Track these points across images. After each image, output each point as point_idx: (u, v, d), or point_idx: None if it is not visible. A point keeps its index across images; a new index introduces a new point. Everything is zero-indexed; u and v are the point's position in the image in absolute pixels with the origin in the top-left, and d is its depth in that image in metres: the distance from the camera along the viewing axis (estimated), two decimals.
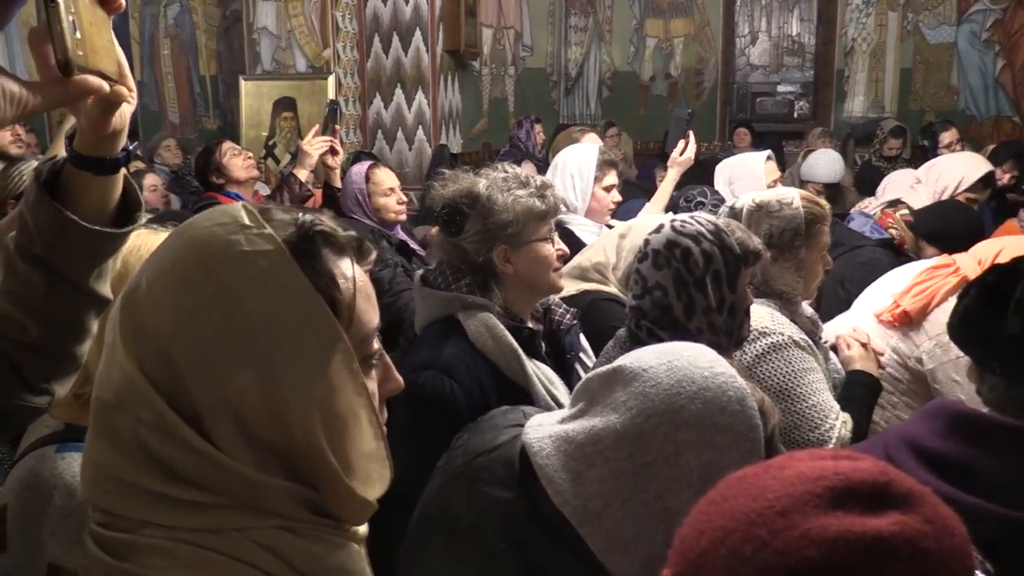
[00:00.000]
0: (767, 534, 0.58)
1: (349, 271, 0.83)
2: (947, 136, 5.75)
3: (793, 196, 2.10)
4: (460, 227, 1.76)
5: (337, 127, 4.01)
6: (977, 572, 0.60)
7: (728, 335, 1.69)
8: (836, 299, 2.67)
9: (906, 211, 3.37)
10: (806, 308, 2.18)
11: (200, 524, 0.77)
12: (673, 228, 1.73)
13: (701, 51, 9.16)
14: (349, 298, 0.82)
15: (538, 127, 5.88)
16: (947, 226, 3.17)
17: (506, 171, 1.81)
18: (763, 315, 1.99)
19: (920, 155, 6.40)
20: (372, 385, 0.85)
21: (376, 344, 0.86)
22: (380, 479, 0.86)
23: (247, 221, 0.80)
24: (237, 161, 3.80)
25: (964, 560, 0.58)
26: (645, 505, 1.08)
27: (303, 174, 3.68)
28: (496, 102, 8.02)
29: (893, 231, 3.26)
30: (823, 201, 2.18)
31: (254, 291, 0.77)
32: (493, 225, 1.74)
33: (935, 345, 2.14)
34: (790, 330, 1.98)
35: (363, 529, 0.90)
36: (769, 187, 3.42)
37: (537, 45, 8.74)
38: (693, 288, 1.66)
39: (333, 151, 3.74)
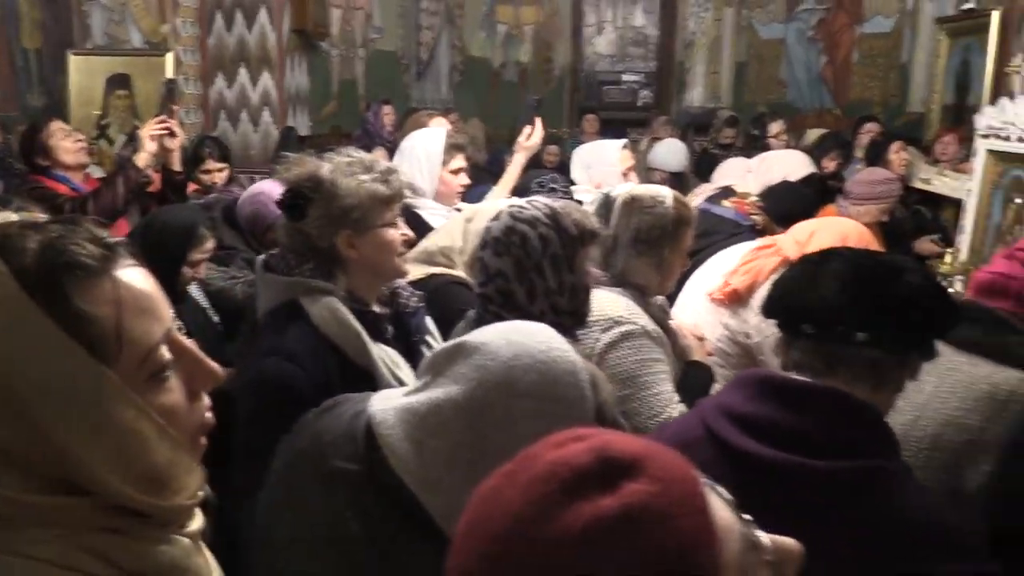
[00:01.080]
0: (524, 550, 0.59)
1: (109, 293, 0.78)
2: (775, 127, 6.15)
3: (666, 195, 2.15)
4: (303, 212, 1.74)
5: (175, 107, 3.85)
6: (712, 497, 0.64)
7: (571, 315, 1.75)
8: None
9: (755, 198, 3.59)
10: (657, 297, 2.27)
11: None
12: (511, 215, 1.77)
13: (550, 39, 9.32)
14: (111, 326, 0.78)
15: (386, 109, 5.82)
16: (790, 208, 3.40)
17: (351, 156, 1.80)
18: (618, 304, 2.05)
19: (751, 144, 6.80)
20: (169, 396, 0.83)
21: (166, 353, 0.83)
22: (188, 484, 0.85)
23: None
24: (66, 143, 3.59)
25: (696, 500, 0.61)
26: (484, 473, 1.12)
27: (141, 159, 3.50)
28: (346, 84, 7.88)
29: (756, 218, 3.47)
30: (692, 204, 2.25)
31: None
32: (337, 210, 1.73)
33: (761, 320, 2.29)
34: (643, 320, 2.05)
35: (196, 523, 0.89)
36: (624, 174, 3.57)
37: (388, 27, 8.64)
38: (533, 273, 1.71)
39: (172, 133, 3.58)
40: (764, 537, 0.66)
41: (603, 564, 0.57)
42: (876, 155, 5.18)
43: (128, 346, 0.79)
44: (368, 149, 5.06)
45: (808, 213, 3.29)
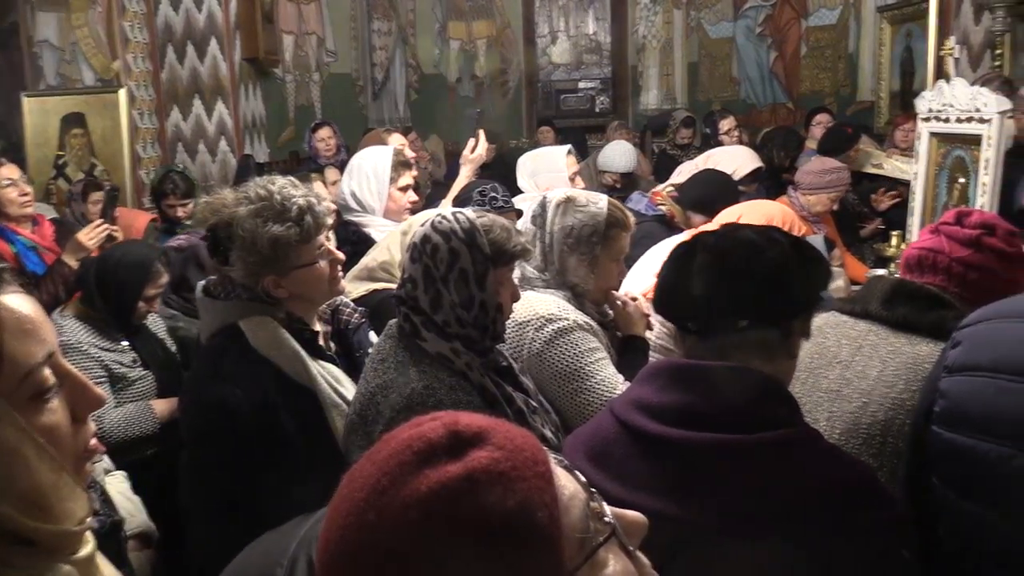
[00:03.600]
0: (376, 517, 0.63)
1: None
2: (725, 124, 6.21)
3: (602, 198, 2.21)
4: (226, 257, 1.77)
5: (116, 215, 3.87)
6: (559, 469, 0.68)
7: (481, 330, 1.71)
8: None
9: (670, 187, 3.67)
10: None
11: None
12: (432, 224, 1.75)
13: (504, 52, 9.38)
14: None
15: (324, 132, 5.79)
16: (704, 193, 3.45)
17: (262, 197, 1.77)
18: (549, 303, 2.08)
19: (706, 143, 6.89)
20: (51, 417, 0.84)
21: (48, 375, 0.84)
22: (74, 510, 0.85)
23: None
24: (9, 194, 3.48)
25: (538, 467, 0.66)
26: None
27: (72, 260, 3.37)
28: (302, 109, 7.90)
29: (663, 207, 3.55)
30: (628, 211, 2.27)
31: None
32: (254, 260, 1.75)
33: None
34: (575, 315, 2.08)
35: (85, 550, 0.89)
36: (570, 179, 3.62)
37: (341, 50, 8.68)
38: (439, 283, 1.70)
39: (111, 238, 3.51)
40: (609, 509, 0.70)
41: (446, 523, 0.62)
42: (840, 148, 5.18)
43: (8, 365, 0.79)
44: (320, 171, 5.12)
45: (725, 197, 3.32)
